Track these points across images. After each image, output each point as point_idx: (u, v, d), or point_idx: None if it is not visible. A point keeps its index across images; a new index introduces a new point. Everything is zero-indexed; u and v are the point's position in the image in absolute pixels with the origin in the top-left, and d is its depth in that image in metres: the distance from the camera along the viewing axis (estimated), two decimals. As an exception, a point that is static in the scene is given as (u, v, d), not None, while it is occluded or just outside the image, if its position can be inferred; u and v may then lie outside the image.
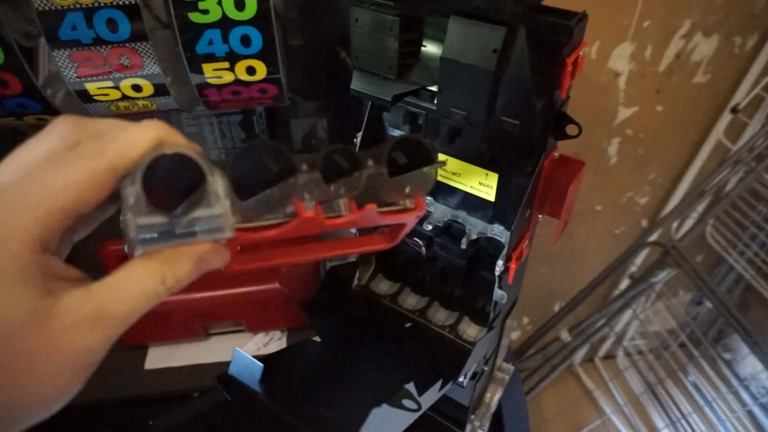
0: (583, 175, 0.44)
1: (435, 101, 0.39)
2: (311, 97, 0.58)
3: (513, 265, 0.42)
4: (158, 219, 0.22)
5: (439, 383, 0.36)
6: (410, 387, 0.32)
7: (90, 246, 0.67)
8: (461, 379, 0.47)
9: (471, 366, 0.44)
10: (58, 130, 0.23)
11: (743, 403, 1.20)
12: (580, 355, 1.51)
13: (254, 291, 0.68)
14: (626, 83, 0.96)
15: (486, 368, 0.52)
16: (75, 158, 0.21)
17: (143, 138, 0.22)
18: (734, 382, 1.18)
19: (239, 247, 0.26)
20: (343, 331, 0.44)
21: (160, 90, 0.44)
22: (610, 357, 1.53)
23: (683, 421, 1.21)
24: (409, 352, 0.44)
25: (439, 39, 0.37)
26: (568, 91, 0.38)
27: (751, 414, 1.21)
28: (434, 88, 0.39)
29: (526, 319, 1.42)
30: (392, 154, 0.28)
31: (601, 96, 0.97)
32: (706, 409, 1.20)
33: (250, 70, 0.42)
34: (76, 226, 0.23)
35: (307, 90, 0.57)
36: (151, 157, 0.21)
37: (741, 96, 0.99)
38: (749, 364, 1.31)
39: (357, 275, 0.52)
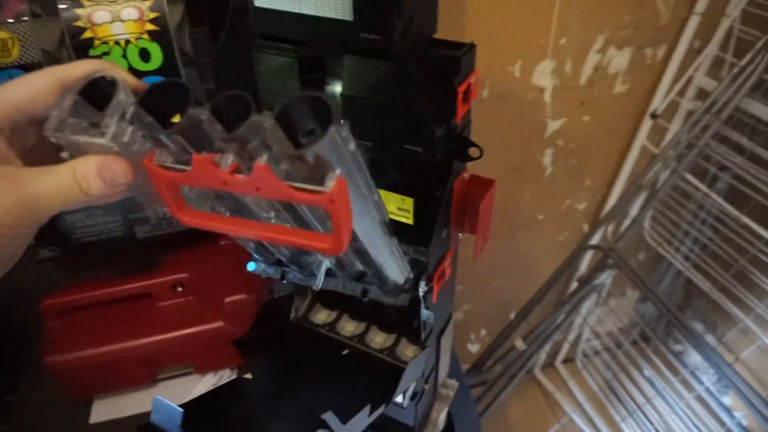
0: (495, 192, 0.46)
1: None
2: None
3: (436, 286, 0.44)
4: (78, 121, 0.26)
5: (368, 408, 0.37)
6: (327, 416, 0.33)
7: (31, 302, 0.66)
8: (400, 400, 0.48)
9: (405, 386, 0.45)
10: None
11: (691, 389, 1.25)
12: (540, 362, 1.54)
13: (199, 331, 0.68)
14: (552, 97, 1.00)
15: (427, 387, 0.53)
16: (32, 74, 0.28)
17: (86, 63, 0.29)
18: (684, 372, 1.23)
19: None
20: (277, 366, 0.44)
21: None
22: (569, 360, 1.57)
23: (639, 413, 1.25)
24: (346, 379, 0.45)
25: (339, 77, 0.39)
26: (467, 117, 0.41)
27: (701, 400, 1.26)
28: (342, 123, 0.40)
29: (483, 331, 1.44)
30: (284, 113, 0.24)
31: (530, 111, 1.01)
32: (659, 399, 1.24)
33: (163, 118, 0.43)
34: (28, 129, 0.30)
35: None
36: (91, 75, 0.28)
37: (658, 102, 1.05)
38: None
39: (294, 307, 0.53)
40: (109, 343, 0.66)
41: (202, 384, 0.74)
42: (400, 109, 0.36)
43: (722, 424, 1.19)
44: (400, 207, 0.45)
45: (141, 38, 0.38)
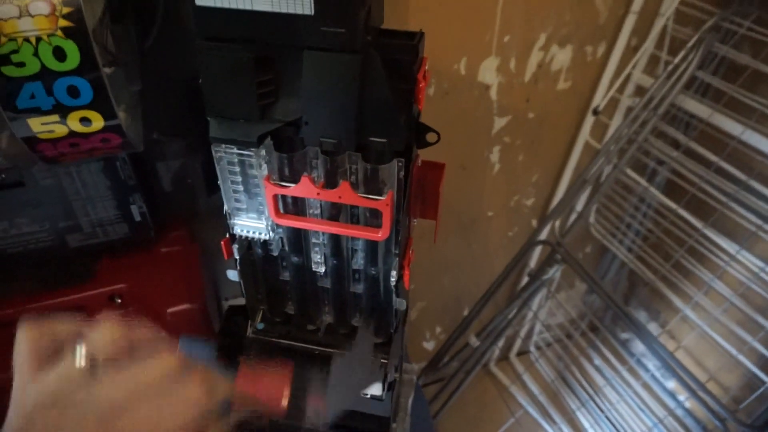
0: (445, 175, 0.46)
1: (301, 133, 0.38)
2: (178, 136, 0.55)
3: (407, 271, 0.44)
4: None
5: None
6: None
7: None
8: (379, 392, 0.47)
9: (390, 378, 0.45)
10: None
11: (639, 377, 1.29)
12: (495, 356, 1.56)
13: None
14: (497, 94, 1.01)
15: (397, 375, 0.52)
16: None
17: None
18: (630, 360, 1.27)
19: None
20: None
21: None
22: (523, 353, 1.59)
23: (591, 402, 1.28)
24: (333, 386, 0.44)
25: (296, 72, 0.36)
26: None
27: (647, 387, 1.31)
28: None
29: (438, 329, 1.44)
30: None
31: (476, 108, 1.02)
32: (609, 388, 1.28)
33: (85, 121, 0.39)
34: None
35: (172, 129, 0.54)
36: None
37: (599, 99, 1.08)
38: (642, 341, 1.42)
39: (249, 323, 0.51)
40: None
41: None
42: (364, 101, 0.35)
43: (666, 407, 1.24)
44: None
45: (54, 35, 0.34)
